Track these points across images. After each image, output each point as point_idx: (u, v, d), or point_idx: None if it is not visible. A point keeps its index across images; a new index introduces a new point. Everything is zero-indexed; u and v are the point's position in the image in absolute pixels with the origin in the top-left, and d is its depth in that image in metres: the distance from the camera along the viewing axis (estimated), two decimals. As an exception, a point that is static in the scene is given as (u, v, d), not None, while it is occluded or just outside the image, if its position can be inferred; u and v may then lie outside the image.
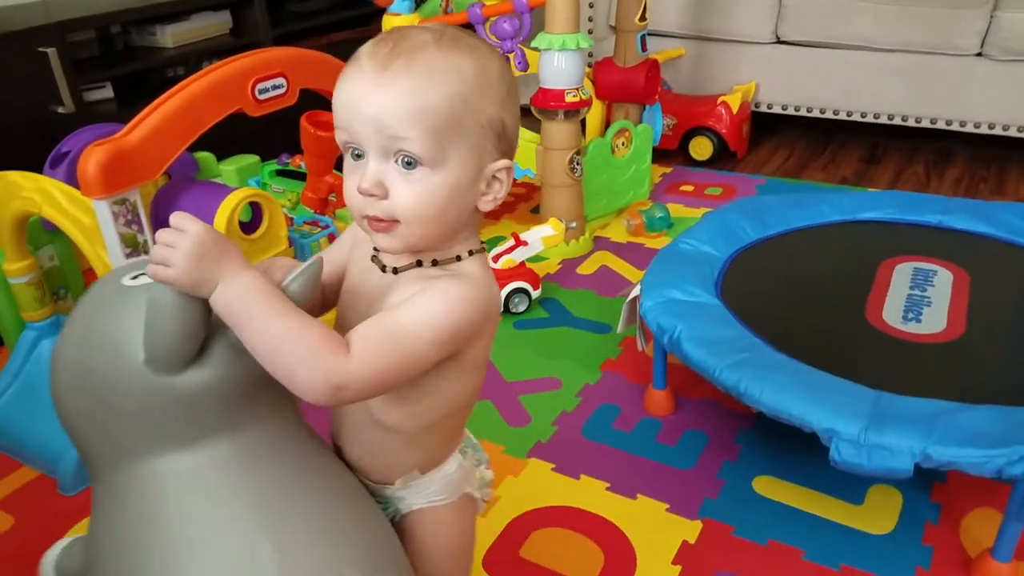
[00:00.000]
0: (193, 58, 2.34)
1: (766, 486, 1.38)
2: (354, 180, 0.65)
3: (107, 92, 2.16)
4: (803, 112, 2.93)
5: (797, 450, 1.43)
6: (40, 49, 1.86)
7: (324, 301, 0.77)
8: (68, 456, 1.45)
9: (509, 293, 1.88)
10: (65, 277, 1.76)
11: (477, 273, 0.69)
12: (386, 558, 0.73)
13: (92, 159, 1.32)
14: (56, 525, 1.38)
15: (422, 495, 0.79)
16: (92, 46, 2.26)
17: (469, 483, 0.83)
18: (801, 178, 2.72)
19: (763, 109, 2.98)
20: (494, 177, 0.67)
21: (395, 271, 0.69)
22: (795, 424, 1.16)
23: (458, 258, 0.69)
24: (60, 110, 1.91)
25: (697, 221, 1.71)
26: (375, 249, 0.71)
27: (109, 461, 0.69)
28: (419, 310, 0.64)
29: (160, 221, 1.52)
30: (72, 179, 1.43)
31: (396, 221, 0.64)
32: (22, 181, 1.46)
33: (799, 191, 2.35)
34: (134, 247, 1.41)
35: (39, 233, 1.65)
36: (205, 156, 1.79)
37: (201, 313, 0.63)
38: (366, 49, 0.64)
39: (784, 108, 2.96)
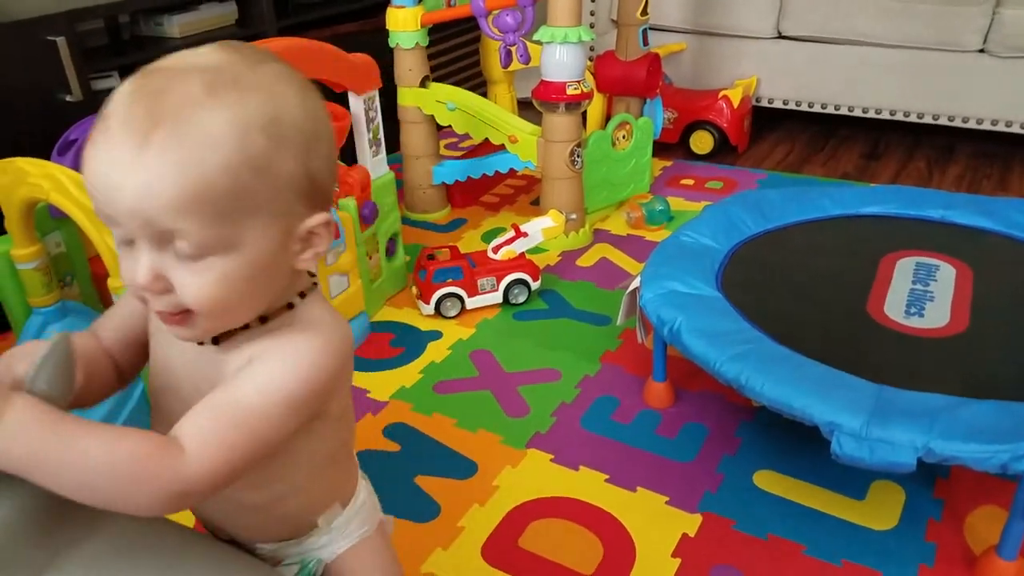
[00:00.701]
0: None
1: (766, 480, 1.34)
2: (126, 267, 0.51)
3: (114, 81, 2.12)
4: (804, 107, 2.88)
5: (798, 444, 1.40)
6: (49, 38, 1.83)
7: (118, 373, 0.62)
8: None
9: (509, 284, 1.85)
10: (72, 263, 1.73)
11: (318, 315, 0.58)
12: None
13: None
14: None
15: (345, 535, 0.70)
16: (100, 35, 2.23)
17: (376, 505, 0.75)
18: (802, 173, 2.67)
19: (764, 104, 2.93)
20: (310, 233, 0.55)
21: (215, 341, 0.56)
22: (796, 417, 1.12)
23: (290, 305, 0.57)
24: (68, 98, 1.87)
25: (698, 214, 1.67)
26: None
27: None
28: (264, 380, 0.53)
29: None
30: (79, 166, 1.40)
31: (189, 311, 0.52)
32: (30, 168, 1.43)
33: (800, 186, 2.31)
34: (136, 235, 1.38)
35: (46, 220, 1.62)
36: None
37: None
38: (117, 109, 0.49)
39: (785, 103, 2.91)
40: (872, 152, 2.84)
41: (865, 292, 1.42)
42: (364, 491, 0.73)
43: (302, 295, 0.58)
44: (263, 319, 0.56)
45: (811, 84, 2.82)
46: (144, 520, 0.56)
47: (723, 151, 2.76)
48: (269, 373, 0.53)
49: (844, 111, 2.82)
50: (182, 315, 0.52)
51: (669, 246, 1.53)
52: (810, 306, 1.40)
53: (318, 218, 0.55)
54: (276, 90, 0.51)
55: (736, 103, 2.69)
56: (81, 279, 1.76)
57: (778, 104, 2.92)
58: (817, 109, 2.87)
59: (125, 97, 0.50)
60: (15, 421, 0.46)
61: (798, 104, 2.89)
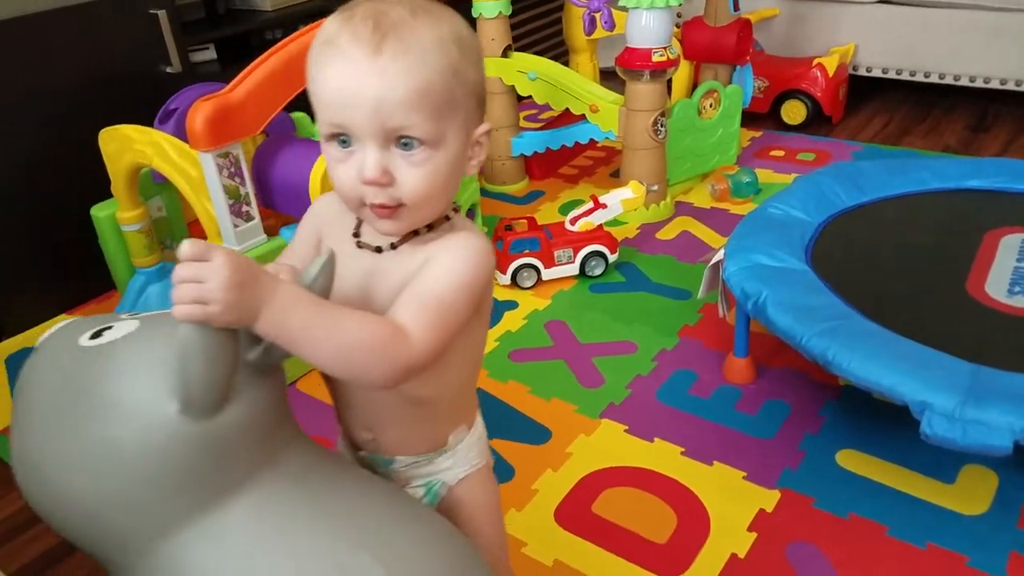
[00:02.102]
0: (291, 21, 2.37)
1: (850, 460, 1.31)
2: (347, 169, 0.61)
3: (210, 54, 2.21)
4: (905, 76, 2.74)
5: (885, 424, 1.36)
6: (151, 11, 1.92)
7: None
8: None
9: (586, 256, 1.85)
10: (172, 227, 1.83)
11: (468, 224, 0.68)
12: (455, 538, 0.68)
13: (199, 113, 1.36)
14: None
15: (465, 461, 0.77)
16: (197, 9, 2.32)
17: (487, 443, 0.82)
18: (901, 145, 2.55)
19: (862, 72, 2.80)
20: (477, 142, 0.65)
21: (393, 246, 0.65)
22: (885, 396, 1.09)
23: (447, 217, 0.67)
24: (168, 70, 1.96)
25: (788, 185, 1.62)
26: (356, 234, 0.67)
27: (140, 547, 0.59)
28: (448, 275, 0.62)
29: (260, 176, 1.55)
30: (180, 133, 1.47)
31: (401, 205, 0.61)
32: (135, 135, 1.52)
33: (898, 158, 2.21)
34: (236, 198, 1.45)
35: (149, 185, 1.72)
36: (300, 116, 1.81)
37: (236, 345, 0.56)
38: (343, 31, 0.58)
39: (885, 71, 2.77)
40: (978, 124, 2.68)
41: (965, 269, 1.36)
42: (480, 424, 0.80)
43: (454, 210, 0.68)
44: (429, 227, 0.65)
45: (913, 51, 2.68)
46: (321, 449, 0.67)
47: (816, 122, 2.66)
48: (450, 265, 0.63)
49: (948, 80, 2.67)
50: (394, 208, 0.61)
51: (756, 218, 1.50)
52: (904, 282, 1.35)
53: (486, 126, 0.65)
54: (452, 16, 0.62)
55: (831, 71, 2.58)
56: (181, 242, 1.86)
57: (876, 73, 2.78)
58: (919, 78, 2.72)
59: (346, 22, 0.59)
60: (291, 298, 0.55)
61: (898, 72, 2.75)
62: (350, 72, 0.57)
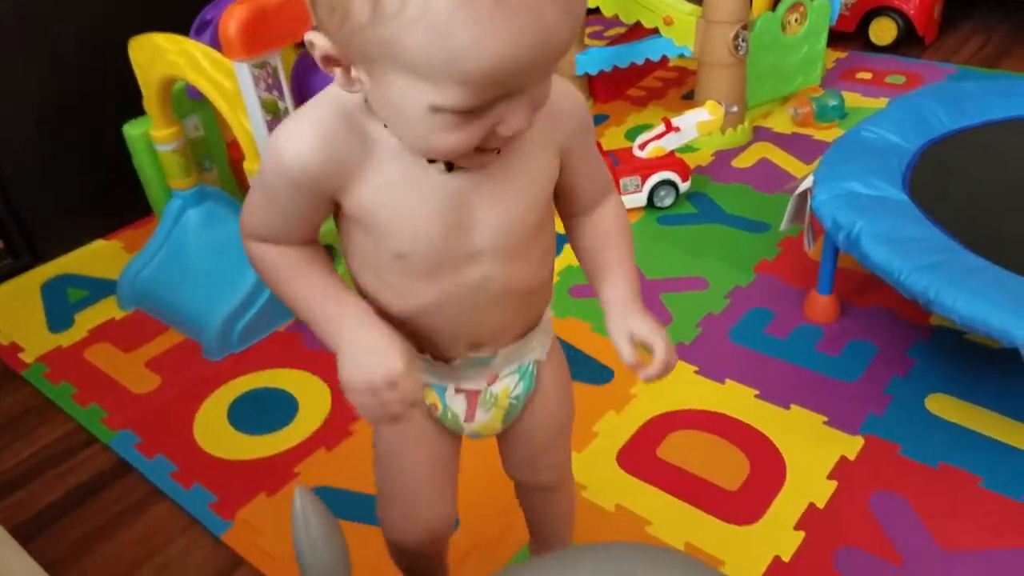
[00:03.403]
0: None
1: (941, 405, 1.27)
2: (466, 135, 0.54)
3: (246, -39, 2.17)
4: (1012, -10, 2.58)
5: (980, 367, 1.32)
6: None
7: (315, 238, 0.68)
8: (212, 321, 1.54)
9: (655, 185, 1.80)
10: (210, 148, 1.83)
11: None
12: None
13: (233, 18, 1.33)
14: (200, 388, 1.48)
15: (548, 330, 0.80)
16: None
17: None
18: (999, 67, 2.41)
19: (962, -14, 2.65)
20: None
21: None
22: (993, 337, 1.05)
23: None
24: (203, -23, 1.93)
25: (883, 107, 1.55)
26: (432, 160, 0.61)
27: None
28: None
29: (300, 90, 1.53)
30: (216, 46, 1.45)
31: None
32: (166, 44, 1.50)
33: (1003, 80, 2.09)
34: (275, 113, 1.43)
35: (184, 102, 1.71)
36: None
37: None
38: None
39: (989, -15, 2.61)
40: (1091, 45, 2.53)
41: (1084, 201, 1.29)
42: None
43: None
44: None
45: (1026, -40, 2.51)
46: None
47: (907, 42, 2.53)
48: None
49: (1064, -7, 2.51)
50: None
51: (849, 142, 1.44)
52: (1015, 213, 1.28)
53: None
54: None
55: (928, -16, 2.44)
56: (219, 164, 1.87)
57: (979, -14, 2.63)
58: (1030, -9, 2.56)
59: None
60: None
61: (1004, -14, 2.59)
62: (529, 22, 0.47)
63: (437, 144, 0.54)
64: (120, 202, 1.94)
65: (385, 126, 0.59)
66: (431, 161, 0.60)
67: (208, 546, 1.19)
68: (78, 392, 1.51)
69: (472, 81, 0.49)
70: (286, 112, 1.44)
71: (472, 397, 0.76)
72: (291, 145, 0.59)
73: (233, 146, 1.79)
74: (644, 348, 0.73)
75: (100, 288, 1.79)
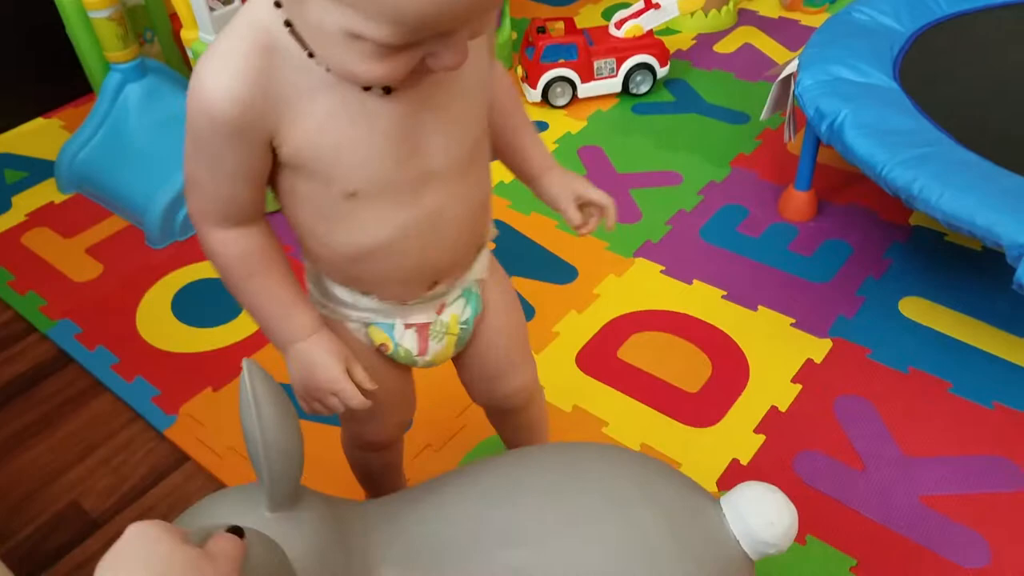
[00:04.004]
0: None
1: (915, 308, 1.22)
2: (392, 64, 0.49)
3: None
4: None
5: (960, 271, 1.26)
6: None
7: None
8: (154, 207, 1.43)
9: (631, 69, 1.67)
10: (151, 18, 1.68)
11: None
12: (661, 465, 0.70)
13: None
14: (143, 278, 1.40)
15: (487, 255, 0.75)
16: None
17: None
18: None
19: None
20: None
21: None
22: (977, 236, 0.98)
23: None
24: None
25: (877, -13, 1.42)
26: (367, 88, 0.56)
27: None
28: None
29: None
30: None
31: None
32: None
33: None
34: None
35: (119, -35, 1.55)
36: None
37: None
38: None
39: None
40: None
41: (1086, 94, 1.19)
42: None
43: None
44: None
45: None
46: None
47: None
48: None
49: None
50: None
51: (838, 24, 1.33)
52: (1010, 106, 1.19)
53: None
54: None
55: None
56: (162, 36, 1.71)
57: None
58: None
59: None
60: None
61: None
62: None
63: (359, 72, 0.50)
64: (60, 78, 1.80)
65: (310, 55, 0.53)
66: (366, 89, 0.55)
67: (151, 440, 1.14)
68: (16, 279, 1.42)
69: (405, 22, 0.45)
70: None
71: (422, 330, 0.72)
72: (216, 85, 0.53)
73: (176, 17, 1.64)
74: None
75: (40, 169, 1.68)
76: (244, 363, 0.55)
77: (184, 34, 1.32)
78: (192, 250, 1.44)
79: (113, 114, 1.57)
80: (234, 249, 0.62)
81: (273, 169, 0.59)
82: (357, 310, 0.69)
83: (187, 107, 0.55)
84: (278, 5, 0.52)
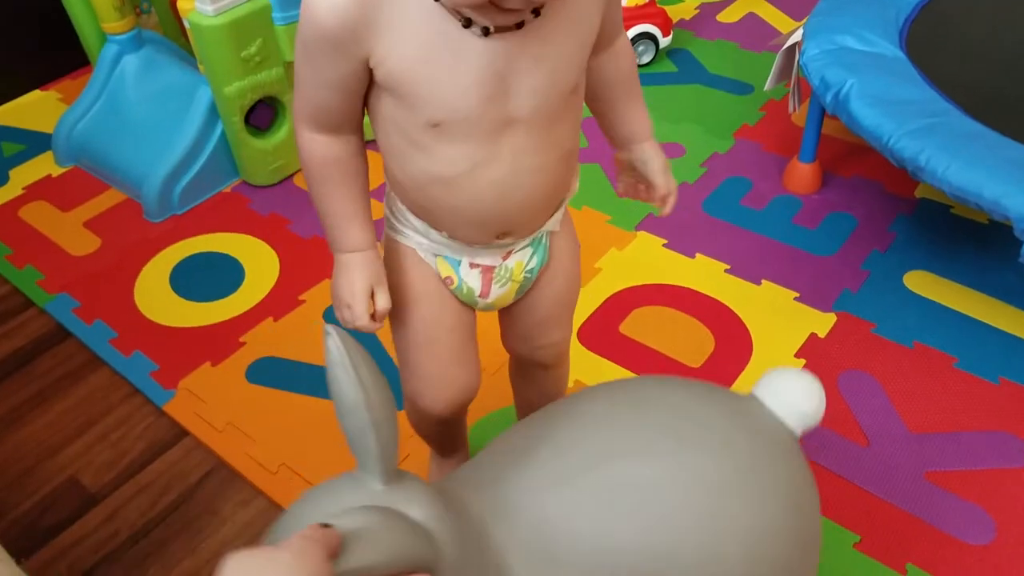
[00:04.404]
0: None
1: (920, 282, 1.20)
2: None
3: None
4: None
5: (966, 244, 1.24)
6: None
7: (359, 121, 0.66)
8: (152, 180, 1.41)
9: (633, 39, 1.64)
10: (146, -11, 1.64)
11: None
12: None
13: None
14: (141, 251, 1.38)
15: (563, 207, 0.76)
16: None
17: None
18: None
19: None
20: None
21: (536, 12, 0.58)
22: (984, 208, 0.95)
23: None
24: None
25: (886, -46, 1.38)
26: (467, 24, 0.57)
27: None
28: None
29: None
30: None
31: None
32: None
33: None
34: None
35: (112, -67, 1.51)
36: None
37: None
38: None
39: None
40: None
41: (1098, 64, 1.16)
42: None
43: None
44: None
45: None
46: None
47: None
48: None
49: None
50: None
51: (844, -9, 1.29)
52: (1019, 76, 1.16)
53: None
54: None
55: None
56: (159, 6, 1.68)
57: None
58: None
59: None
60: None
61: None
62: None
63: None
64: (57, 50, 1.77)
65: None
66: (467, 25, 0.57)
67: (150, 415, 1.13)
68: (13, 253, 1.40)
69: None
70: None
71: (487, 272, 0.74)
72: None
73: (172, -13, 1.60)
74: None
75: (37, 142, 1.65)
76: (327, 328, 0.52)
77: (180, 4, 1.29)
78: (190, 223, 1.42)
79: (110, 86, 1.54)
80: (318, 152, 0.65)
81: (369, 89, 0.62)
82: (428, 239, 0.71)
83: (300, 12, 0.59)
84: None
